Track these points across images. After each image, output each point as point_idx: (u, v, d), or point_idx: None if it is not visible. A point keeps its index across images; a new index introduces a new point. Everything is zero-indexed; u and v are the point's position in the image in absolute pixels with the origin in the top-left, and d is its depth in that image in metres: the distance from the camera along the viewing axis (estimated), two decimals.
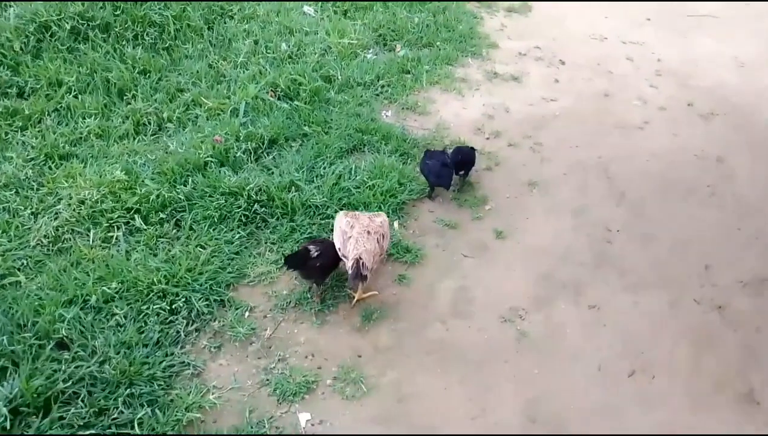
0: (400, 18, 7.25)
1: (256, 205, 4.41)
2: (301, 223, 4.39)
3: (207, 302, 3.78)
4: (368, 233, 3.84)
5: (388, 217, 4.27)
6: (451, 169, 4.81)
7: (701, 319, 4.15)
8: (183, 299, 3.72)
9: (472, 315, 4.00)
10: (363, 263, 3.70)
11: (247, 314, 3.83)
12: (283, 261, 3.93)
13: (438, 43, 7.05)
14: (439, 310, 4.01)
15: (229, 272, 4.01)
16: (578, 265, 4.47)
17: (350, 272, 3.72)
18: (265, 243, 4.27)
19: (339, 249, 3.88)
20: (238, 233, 4.26)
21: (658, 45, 7.69)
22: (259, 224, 4.38)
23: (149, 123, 5.21)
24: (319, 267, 3.87)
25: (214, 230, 4.24)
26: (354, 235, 3.82)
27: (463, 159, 4.94)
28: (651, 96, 6.64)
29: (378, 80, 6.20)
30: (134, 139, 5.07)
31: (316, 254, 3.86)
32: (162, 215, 4.26)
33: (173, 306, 3.68)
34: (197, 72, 5.85)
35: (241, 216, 4.35)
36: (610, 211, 5.00)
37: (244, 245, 4.23)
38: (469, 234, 4.64)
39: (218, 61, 6.02)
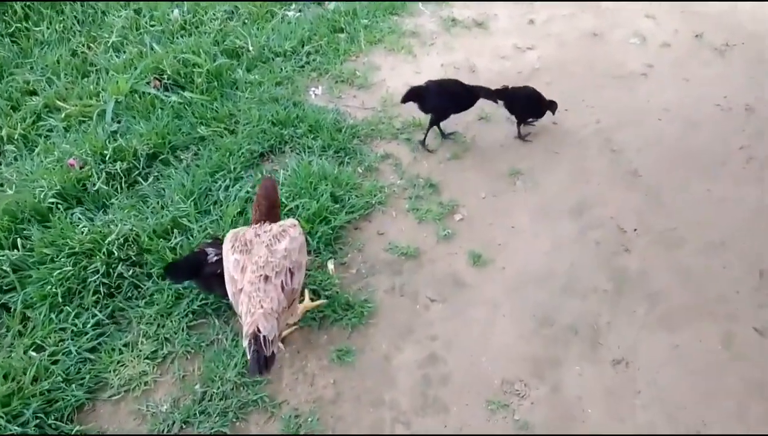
0: None
1: (120, 266, 2.89)
2: (191, 283, 2.89)
3: None
4: (265, 278, 2.35)
5: (318, 252, 2.83)
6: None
7: None
8: None
9: (448, 404, 2.60)
10: (264, 339, 2.23)
11: None
12: (164, 272, 2.66)
13: None
14: (400, 403, 2.60)
15: (79, 384, 2.54)
16: (590, 293, 3.06)
17: (248, 355, 2.27)
18: (138, 324, 2.77)
19: (233, 303, 2.44)
20: (94, 314, 2.75)
21: None
22: (128, 294, 2.87)
23: None
24: (221, 276, 2.52)
25: (56, 315, 2.73)
26: (246, 287, 2.35)
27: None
28: (650, 30, 5.05)
29: (303, 46, 4.55)
30: None
31: (215, 258, 2.55)
32: None
33: None
34: (56, 63, 4.17)
35: (98, 286, 2.83)
36: (621, 201, 3.55)
37: (105, 332, 2.74)
38: (435, 264, 3.18)
39: (84, 45, 4.31)
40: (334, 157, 3.69)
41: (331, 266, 3.07)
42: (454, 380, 2.68)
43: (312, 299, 2.83)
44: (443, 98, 3.72)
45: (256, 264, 2.39)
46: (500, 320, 2.93)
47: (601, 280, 3.12)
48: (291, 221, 2.62)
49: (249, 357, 2.24)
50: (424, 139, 3.81)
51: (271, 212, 2.61)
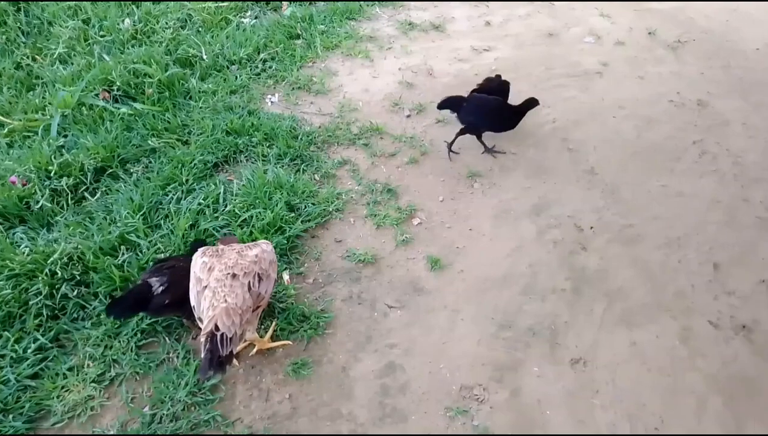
0: None
1: (64, 286, 2.76)
2: None
3: None
4: (233, 276, 2.31)
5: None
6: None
7: (726, 353, 2.80)
8: None
9: (407, 413, 2.54)
10: (222, 337, 2.16)
11: None
12: (106, 311, 2.47)
13: None
14: (358, 415, 2.53)
15: (18, 414, 2.40)
16: (549, 293, 3.03)
17: (202, 353, 2.19)
18: (83, 347, 2.64)
19: (193, 307, 2.35)
20: (36, 338, 2.62)
21: None
22: (74, 315, 2.74)
23: None
24: (171, 305, 2.47)
25: None
26: (211, 283, 2.29)
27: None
28: (604, 28, 5.09)
29: (258, 54, 4.46)
30: None
31: (161, 288, 2.45)
32: None
33: None
34: None
35: (41, 308, 2.70)
36: (578, 200, 3.54)
37: (48, 357, 2.60)
38: (393, 270, 3.12)
39: (30, 57, 4.14)
40: (291, 165, 3.61)
41: (286, 276, 2.98)
42: (413, 388, 2.61)
43: (272, 339, 2.73)
44: (478, 115, 3.68)
45: (225, 265, 2.36)
46: (459, 324, 2.88)
47: (560, 280, 3.09)
48: (264, 240, 2.60)
49: (203, 358, 2.15)
50: (451, 143, 3.77)
51: None
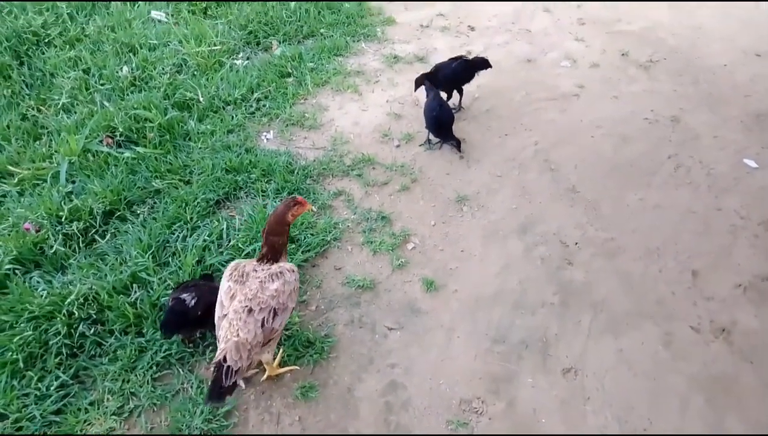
0: (272, 7, 5.70)
1: (81, 326, 2.94)
2: (154, 336, 2.95)
3: None
4: (249, 310, 2.48)
5: None
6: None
7: (706, 355, 3.01)
8: None
9: (410, 428, 2.71)
10: (228, 369, 2.34)
11: None
12: (161, 329, 2.82)
13: (322, 31, 5.56)
14: (364, 433, 2.70)
15: None
16: (539, 308, 3.23)
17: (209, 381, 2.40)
18: (102, 382, 2.81)
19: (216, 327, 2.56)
20: (58, 376, 2.79)
21: None
22: (91, 352, 2.91)
23: None
24: (203, 316, 2.74)
25: (19, 381, 2.75)
26: (229, 314, 2.48)
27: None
28: (579, 52, 5.39)
29: (252, 93, 4.70)
30: None
31: (193, 301, 2.76)
32: None
33: None
34: (6, 128, 4.20)
35: (61, 347, 2.87)
36: (562, 217, 3.76)
37: (69, 393, 2.76)
38: (391, 294, 3.31)
39: (35, 108, 4.37)
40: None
41: None
42: (415, 404, 2.79)
43: (281, 366, 2.91)
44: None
45: (245, 295, 2.53)
46: (455, 342, 3.07)
47: (548, 294, 3.30)
48: (291, 265, 2.73)
49: (209, 386, 2.36)
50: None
51: (279, 241, 2.71)
